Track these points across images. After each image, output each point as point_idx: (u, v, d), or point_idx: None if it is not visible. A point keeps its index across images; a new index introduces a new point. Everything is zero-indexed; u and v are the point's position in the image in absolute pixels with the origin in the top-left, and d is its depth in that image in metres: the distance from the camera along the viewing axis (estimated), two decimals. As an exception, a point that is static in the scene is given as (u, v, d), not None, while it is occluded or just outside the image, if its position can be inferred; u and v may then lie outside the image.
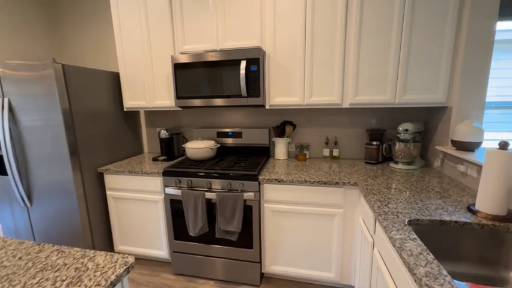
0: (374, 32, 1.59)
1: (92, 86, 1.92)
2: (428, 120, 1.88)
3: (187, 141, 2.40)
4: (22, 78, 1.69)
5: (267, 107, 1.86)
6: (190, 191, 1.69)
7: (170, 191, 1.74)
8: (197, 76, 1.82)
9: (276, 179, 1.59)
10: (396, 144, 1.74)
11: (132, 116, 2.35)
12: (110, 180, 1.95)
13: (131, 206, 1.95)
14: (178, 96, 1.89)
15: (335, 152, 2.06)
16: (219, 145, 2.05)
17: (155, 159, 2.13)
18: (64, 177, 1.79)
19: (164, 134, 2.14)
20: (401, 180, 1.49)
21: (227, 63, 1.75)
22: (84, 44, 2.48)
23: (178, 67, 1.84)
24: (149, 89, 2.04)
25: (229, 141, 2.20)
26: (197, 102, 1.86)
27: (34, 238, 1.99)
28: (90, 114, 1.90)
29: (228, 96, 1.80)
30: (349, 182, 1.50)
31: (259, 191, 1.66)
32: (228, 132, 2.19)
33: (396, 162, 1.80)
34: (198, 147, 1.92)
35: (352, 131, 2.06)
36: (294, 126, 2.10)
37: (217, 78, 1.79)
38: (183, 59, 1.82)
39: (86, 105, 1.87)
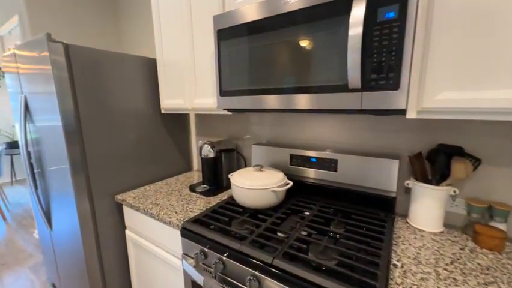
0: None
1: (117, 77, 1.33)
2: None
3: (245, 164, 1.56)
4: (30, 66, 1.26)
5: (414, 115, 0.75)
6: (218, 285, 0.81)
7: (189, 269, 0.92)
8: (256, 52, 0.91)
9: None
10: None
11: (177, 120, 1.70)
12: (128, 215, 1.34)
13: (151, 260, 1.27)
14: (222, 92, 1.05)
15: None
16: (290, 183, 1.08)
17: (193, 189, 1.38)
18: (67, 203, 1.28)
19: (208, 150, 1.36)
20: None
21: (318, 13, 0.76)
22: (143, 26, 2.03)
23: (223, 36, 0.99)
24: (189, 80, 1.29)
25: (312, 173, 1.19)
26: (252, 102, 0.96)
27: (58, 272, 1.63)
28: (112, 117, 1.33)
29: (319, 90, 0.81)
30: None
31: None
32: (310, 157, 1.19)
33: None
34: (249, 186, 1.02)
35: None
36: (477, 161, 0.88)
37: (295, 52, 0.83)
38: (233, 20, 0.95)
39: (106, 105, 1.30)
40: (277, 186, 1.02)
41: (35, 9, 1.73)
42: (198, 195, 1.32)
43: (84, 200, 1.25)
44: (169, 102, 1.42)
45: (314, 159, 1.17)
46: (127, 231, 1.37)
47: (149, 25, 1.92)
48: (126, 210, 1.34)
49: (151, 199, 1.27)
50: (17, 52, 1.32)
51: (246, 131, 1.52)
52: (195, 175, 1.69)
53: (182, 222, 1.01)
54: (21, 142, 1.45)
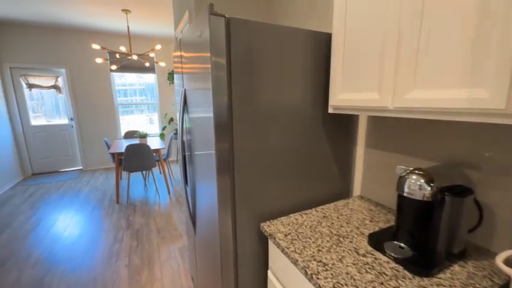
0: None
1: (276, 61, 0.96)
2: None
3: (480, 220, 0.81)
4: (191, 65, 1.10)
5: None
6: None
7: None
8: None
9: None
10: None
11: (341, 124, 1.18)
12: (274, 255, 0.96)
13: (300, 335, 0.84)
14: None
15: None
16: None
17: (377, 245, 0.81)
18: (211, 213, 1.05)
19: (419, 185, 0.74)
20: None
21: None
22: None
23: None
24: (399, 60, 0.72)
25: None
26: None
27: (196, 271, 1.56)
28: (266, 115, 0.98)
29: None
30: None
31: None
32: None
33: None
34: None
35: None
36: None
37: None
38: None
39: (261, 100, 0.95)
40: None
41: (201, 2, 1.71)
42: (393, 265, 0.74)
43: (227, 214, 0.97)
44: (348, 97, 0.91)
45: None
46: (269, 274, 1.01)
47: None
48: (272, 246, 0.97)
49: (311, 247, 0.82)
50: (183, 54, 1.22)
51: (466, 152, 0.78)
52: (359, 205, 1.13)
53: None
54: (179, 131, 1.42)
